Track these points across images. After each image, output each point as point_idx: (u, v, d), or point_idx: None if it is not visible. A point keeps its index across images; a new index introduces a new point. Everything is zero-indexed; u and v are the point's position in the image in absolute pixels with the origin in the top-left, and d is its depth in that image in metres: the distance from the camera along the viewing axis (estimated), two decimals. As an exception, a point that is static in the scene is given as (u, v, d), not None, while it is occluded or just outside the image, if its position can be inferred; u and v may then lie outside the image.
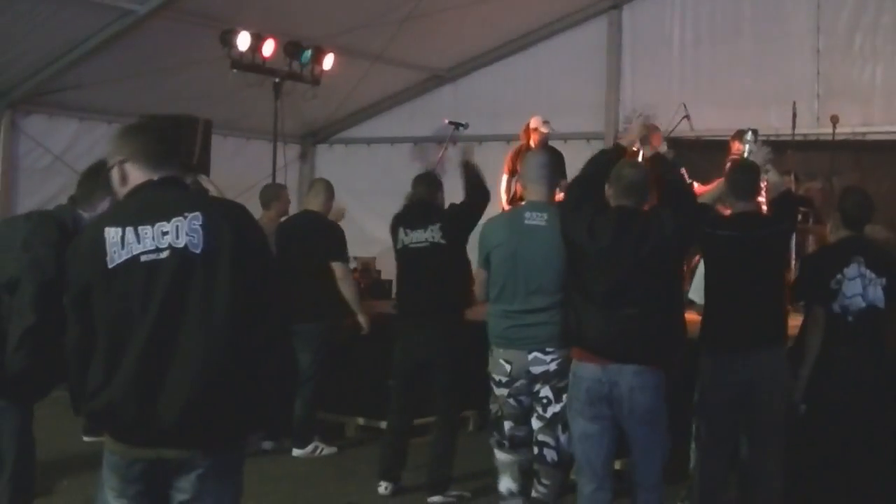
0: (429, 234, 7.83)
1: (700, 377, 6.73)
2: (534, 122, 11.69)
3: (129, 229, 3.82)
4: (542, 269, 6.52)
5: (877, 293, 6.75)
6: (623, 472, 6.87)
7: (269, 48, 12.21)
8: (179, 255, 3.77)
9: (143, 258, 3.78)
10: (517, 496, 6.80)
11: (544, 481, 6.65)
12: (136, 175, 3.99)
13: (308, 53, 12.66)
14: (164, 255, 3.78)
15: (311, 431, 9.13)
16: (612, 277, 5.78)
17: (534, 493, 6.73)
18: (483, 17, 13.27)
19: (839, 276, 6.74)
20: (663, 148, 7.47)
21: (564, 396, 6.39)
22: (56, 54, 11.48)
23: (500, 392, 6.71)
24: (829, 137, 11.02)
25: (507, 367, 6.61)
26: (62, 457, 8.39)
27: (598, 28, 14.22)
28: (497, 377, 6.70)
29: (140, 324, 3.76)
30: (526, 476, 6.80)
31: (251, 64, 12.21)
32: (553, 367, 6.49)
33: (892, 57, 12.21)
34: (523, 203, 6.93)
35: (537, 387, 6.56)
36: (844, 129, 11.39)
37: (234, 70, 12.01)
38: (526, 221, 6.62)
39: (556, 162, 7.06)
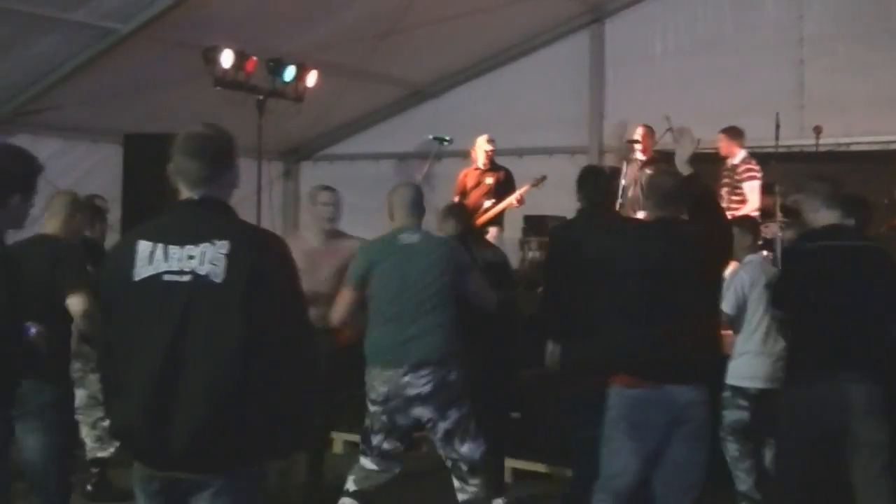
0: None
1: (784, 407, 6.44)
2: (479, 142, 11.85)
3: (160, 246, 3.84)
4: (426, 284, 6.61)
5: None
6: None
7: (252, 66, 12.21)
8: (199, 281, 3.77)
9: (166, 277, 3.80)
10: (351, 496, 6.79)
11: (471, 481, 6.72)
12: (182, 190, 4.00)
13: (291, 70, 12.65)
14: (186, 278, 3.78)
15: None
16: (659, 293, 5.56)
17: (463, 496, 6.77)
18: (464, 32, 13.32)
19: None
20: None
21: (451, 412, 6.59)
22: (39, 75, 11.45)
23: (374, 409, 6.73)
24: (813, 148, 11.04)
25: (384, 389, 6.62)
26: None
27: (580, 42, 14.28)
28: (372, 396, 6.71)
29: (153, 344, 3.78)
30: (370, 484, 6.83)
31: (234, 81, 12.19)
32: (427, 389, 6.54)
33: (874, 67, 12.23)
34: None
35: (415, 409, 6.62)
36: (827, 140, 11.41)
37: (217, 88, 11.98)
38: (401, 242, 6.74)
39: (419, 196, 7.05)
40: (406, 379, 6.53)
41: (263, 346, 3.77)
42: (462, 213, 8.30)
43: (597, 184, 6.89)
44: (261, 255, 3.82)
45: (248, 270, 3.75)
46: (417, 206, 6.94)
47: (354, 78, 13.63)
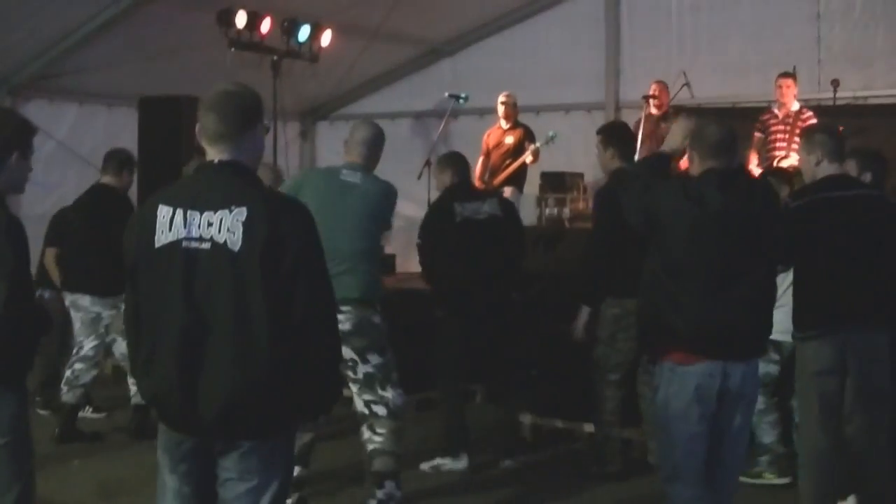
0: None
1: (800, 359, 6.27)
2: (500, 97, 12.05)
3: (179, 211, 3.79)
4: (353, 222, 6.51)
5: None
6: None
7: (266, 26, 12.19)
8: (218, 250, 3.72)
9: (185, 244, 3.76)
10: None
11: (379, 430, 6.58)
12: (207, 151, 3.93)
13: (306, 30, 12.64)
14: (206, 246, 3.74)
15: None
16: (720, 252, 5.12)
17: (371, 446, 6.62)
18: (480, -11, 13.25)
19: None
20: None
21: (371, 356, 6.47)
22: (55, 39, 11.48)
23: None
24: (830, 102, 10.99)
25: None
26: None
27: (597, -2, 14.18)
28: None
29: (176, 313, 3.76)
30: None
31: (249, 43, 12.18)
32: (347, 326, 6.28)
33: (893, 20, 12.10)
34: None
35: None
36: (845, 94, 11.34)
37: (232, 49, 11.97)
38: (342, 178, 6.64)
39: (378, 139, 6.88)
40: None
41: (286, 314, 3.73)
42: (459, 163, 8.25)
43: (627, 139, 6.67)
44: (278, 223, 3.74)
45: (265, 238, 3.69)
46: (369, 147, 6.79)
47: (370, 37, 13.58)
